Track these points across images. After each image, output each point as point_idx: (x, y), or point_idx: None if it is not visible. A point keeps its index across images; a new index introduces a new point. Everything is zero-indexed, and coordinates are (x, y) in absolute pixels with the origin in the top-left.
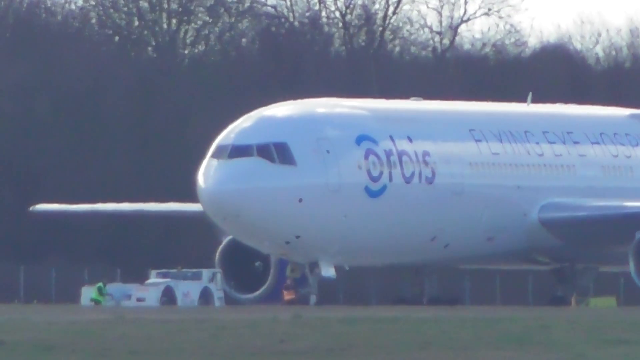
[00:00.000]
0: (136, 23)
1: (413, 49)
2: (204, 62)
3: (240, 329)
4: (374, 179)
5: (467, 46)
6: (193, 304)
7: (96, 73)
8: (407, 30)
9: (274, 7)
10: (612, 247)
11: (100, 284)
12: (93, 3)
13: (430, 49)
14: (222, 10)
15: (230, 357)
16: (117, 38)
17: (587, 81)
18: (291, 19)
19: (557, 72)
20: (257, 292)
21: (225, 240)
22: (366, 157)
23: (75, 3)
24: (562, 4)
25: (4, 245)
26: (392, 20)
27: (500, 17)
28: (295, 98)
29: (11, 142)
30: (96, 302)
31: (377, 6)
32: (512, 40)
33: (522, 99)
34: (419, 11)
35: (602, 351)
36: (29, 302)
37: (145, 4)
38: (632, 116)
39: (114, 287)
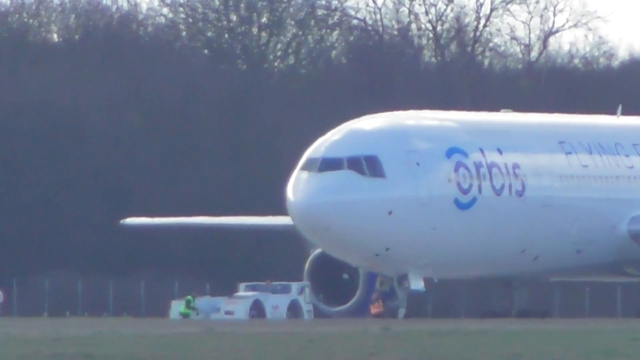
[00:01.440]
0: (226, 35)
1: (503, 60)
2: (294, 75)
3: (329, 342)
4: (464, 191)
5: (556, 58)
6: (282, 317)
7: (186, 86)
8: (497, 42)
9: (363, 19)
10: None
11: (189, 296)
12: (183, 16)
13: (520, 61)
14: (312, 22)
15: None
16: (206, 51)
17: None
18: (381, 31)
19: None
20: (346, 305)
21: (313, 253)
22: (456, 170)
23: (166, 16)
24: None
25: (94, 258)
26: (483, 33)
27: (589, 29)
28: (385, 110)
29: (102, 155)
30: (184, 315)
31: (468, 19)
32: (601, 52)
33: (612, 111)
34: (508, 23)
35: None
36: (118, 315)
37: (235, 17)
38: None
39: (203, 301)
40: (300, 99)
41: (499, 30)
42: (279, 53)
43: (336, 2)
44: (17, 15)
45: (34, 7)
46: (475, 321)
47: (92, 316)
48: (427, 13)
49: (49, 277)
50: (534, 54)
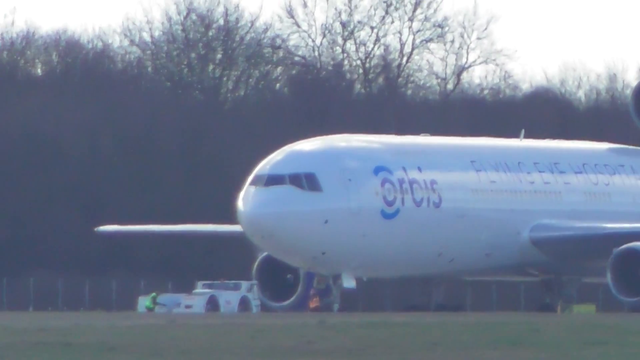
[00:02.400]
0: (186, 71)
1: (423, 92)
2: (243, 104)
3: (274, 332)
4: (389, 204)
5: (468, 89)
6: (233, 310)
7: (152, 113)
8: (418, 76)
9: (303, 57)
10: (593, 262)
11: (154, 294)
12: (149, 54)
13: (437, 92)
14: (259, 59)
15: (265, 356)
16: (168, 83)
17: (572, 120)
18: (318, 66)
19: (545, 111)
20: (288, 301)
21: (260, 256)
22: (382, 185)
23: (134, 54)
24: (549, 53)
25: (72, 260)
26: (405, 68)
27: (497, 65)
28: (322, 134)
29: (80, 172)
30: (150, 309)
31: (392, 56)
32: (507, 84)
33: (516, 135)
34: (428, 60)
35: (584, 351)
36: (93, 309)
37: (194, 55)
38: (610, 150)
39: (166, 297)
40: (249, 124)
41: (419, 66)
42: (230, 86)
43: (280, 42)
44: (6, 52)
45: (21, 46)
46: (399, 314)
47: (71, 310)
48: (357, 51)
49: (34, 277)
50: (449, 86)
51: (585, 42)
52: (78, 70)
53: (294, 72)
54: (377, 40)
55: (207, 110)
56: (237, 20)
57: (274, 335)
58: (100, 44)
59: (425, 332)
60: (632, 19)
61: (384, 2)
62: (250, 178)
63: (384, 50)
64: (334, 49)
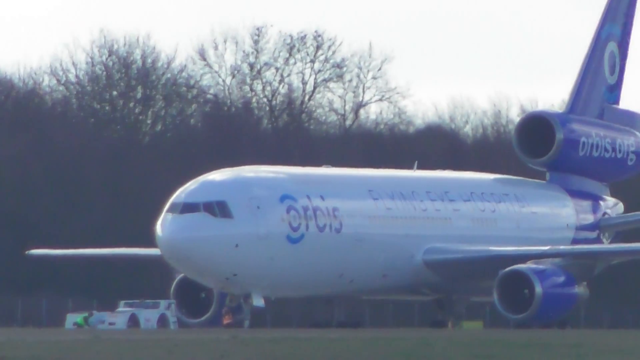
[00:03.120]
0: (107, 108)
1: (324, 127)
2: (161, 139)
3: (190, 347)
4: (294, 229)
5: (366, 124)
6: (153, 327)
7: (78, 146)
8: (319, 112)
9: (215, 95)
10: (481, 282)
11: (86, 314)
12: (75, 92)
13: (337, 127)
14: (175, 97)
15: None
16: (92, 120)
17: (461, 152)
18: (229, 103)
19: (436, 145)
20: (203, 318)
21: (178, 277)
22: (288, 212)
23: (62, 92)
24: (440, 91)
25: (5, 281)
26: (307, 105)
27: (391, 102)
28: (232, 166)
29: (12, 200)
30: (78, 325)
31: (296, 94)
32: (401, 120)
33: (410, 166)
34: (328, 98)
35: None
36: (25, 326)
37: (115, 93)
38: (495, 180)
39: (93, 315)
40: (166, 157)
41: (320, 103)
42: (149, 121)
43: (193, 81)
44: None
45: None
46: (304, 330)
47: (3, 327)
48: (264, 90)
49: None
50: (348, 121)
51: (473, 81)
52: (10, 107)
53: (206, 109)
54: (282, 79)
55: (128, 144)
56: (154, 61)
57: (190, 350)
58: (31, 82)
59: (328, 347)
60: (516, 61)
61: (288, 45)
62: (167, 206)
63: (288, 89)
64: (243, 88)
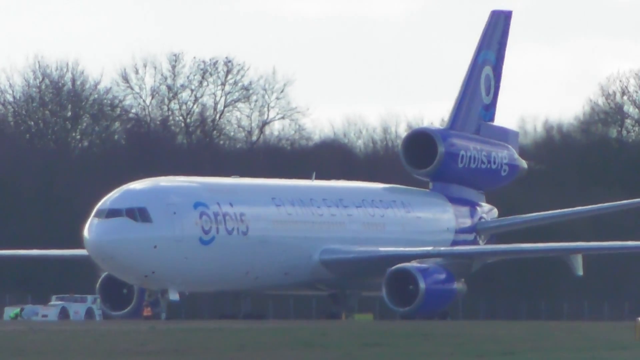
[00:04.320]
0: (41, 125)
1: (233, 142)
2: (89, 153)
3: (113, 336)
4: (206, 232)
5: (270, 140)
6: (81, 318)
7: (14, 159)
8: (229, 129)
9: (136, 113)
10: (371, 279)
11: (18, 309)
12: (11, 110)
13: (245, 142)
14: (101, 116)
15: (106, 356)
16: (28, 135)
17: (354, 164)
18: (149, 121)
19: (332, 157)
20: (125, 310)
21: (103, 275)
22: (200, 217)
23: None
24: (335, 109)
25: None
26: (218, 122)
27: (292, 120)
28: (151, 176)
29: None
30: (14, 318)
31: (208, 113)
32: (301, 135)
33: (309, 177)
34: (237, 116)
35: (363, 351)
36: None
37: (48, 112)
38: (384, 188)
39: (26, 308)
40: (92, 168)
41: (229, 121)
42: (78, 137)
43: (117, 101)
44: None
45: None
46: (214, 322)
47: None
48: (180, 109)
49: None
50: (254, 137)
51: (364, 101)
52: None
53: (129, 126)
54: (196, 100)
55: (59, 157)
56: (83, 84)
57: (113, 339)
58: None
59: (236, 336)
60: (403, 83)
61: (201, 69)
62: (94, 211)
63: (201, 108)
64: (161, 107)
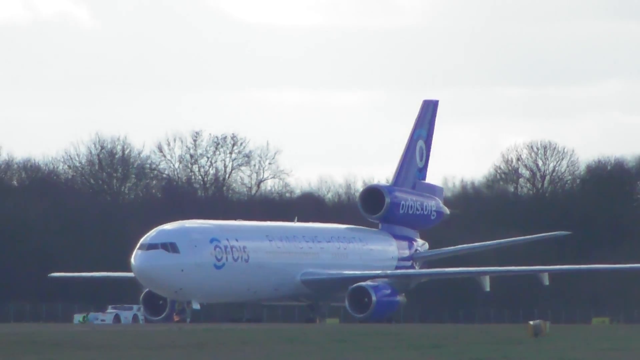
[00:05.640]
0: (100, 182)
1: (238, 195)
2: (135, 202)
3: (152, 335)
4: (218, 260)
5: (265, 193)
6: (129, 322)
7: (80, 207)
8: (234, 186)
9: (168, 174)
10: (337, 293)
11: (85, 314)
12: (79, 172)
13: (246, 195)
14: (143, 176)
15: (148, 349)
16: (90, 190)
17: (325, 211)
18: (177, 180)
19: (309, 206)
20: (161, 316)
21: (145, 290)
22: (215, 249)
23: (70, 174)
24: (312, 171)
25: (32, 293)
26: (227, 181)
27: (280, 178)
28: (179, 219)
29: (38, 241)
30: (81, 322)
31: (220, 174)
32: (287, 189)
33: (292, 220)
34: (240, 176)
35: (333, 345)
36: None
37: (105, 173)
38: (347, 228)
39: (90, 314)
40: (137, 214)
41: (235, 179)
42: (126, 191)
43: (155, 165)
44: None
45: None
46: (226, 324)
47: (34, 323)
48: (199, 171)
49: None
50: (253, 191)
51: (332, 164)
52: (36, 183)
53: (162, 183)
54: (211, 164)
55: (113, 206)
56: (130, 152)
57: (152, 337)
58: (51, 166)
59: (240, 334)
60: (359, 151)
61: (215, 142)
62: (138, 245)
63: (215, 171)
64: (186, 170)
